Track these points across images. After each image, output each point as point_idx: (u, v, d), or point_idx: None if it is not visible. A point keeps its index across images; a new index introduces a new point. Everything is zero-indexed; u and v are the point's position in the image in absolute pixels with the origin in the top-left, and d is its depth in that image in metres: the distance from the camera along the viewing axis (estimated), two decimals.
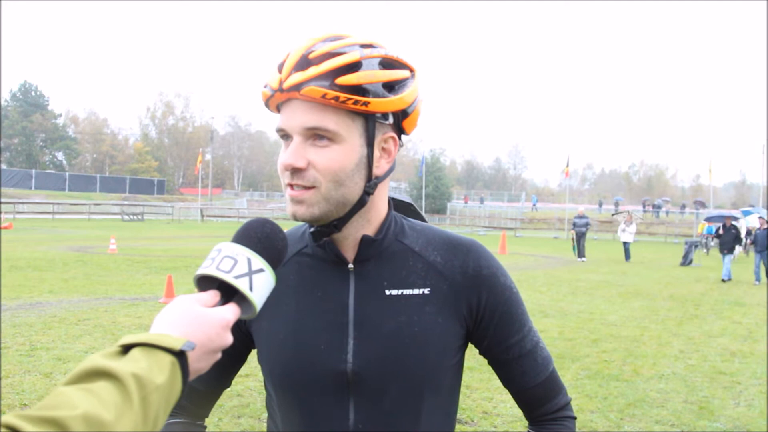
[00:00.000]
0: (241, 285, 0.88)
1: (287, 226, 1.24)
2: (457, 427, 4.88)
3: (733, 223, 17.99)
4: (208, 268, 0.89)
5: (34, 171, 64.80)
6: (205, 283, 0.91)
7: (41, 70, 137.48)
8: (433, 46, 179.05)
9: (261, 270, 0.90)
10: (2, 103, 73.72)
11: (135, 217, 45.18)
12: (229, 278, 0.88)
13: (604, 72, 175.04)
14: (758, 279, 16.51)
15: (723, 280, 16.61)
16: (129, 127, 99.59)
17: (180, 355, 0.79)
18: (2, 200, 38.94)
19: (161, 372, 0.75)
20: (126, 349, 0.77)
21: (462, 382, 1.20)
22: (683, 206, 57.26)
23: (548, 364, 1.19)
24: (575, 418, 1.22)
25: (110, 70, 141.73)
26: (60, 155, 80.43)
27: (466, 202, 60.66)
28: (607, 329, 9.18)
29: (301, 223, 1.18)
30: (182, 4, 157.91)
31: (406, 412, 1.10)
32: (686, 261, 21.65)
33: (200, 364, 0.84)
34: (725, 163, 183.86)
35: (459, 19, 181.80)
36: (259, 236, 0.94)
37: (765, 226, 16.73)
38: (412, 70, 1.08)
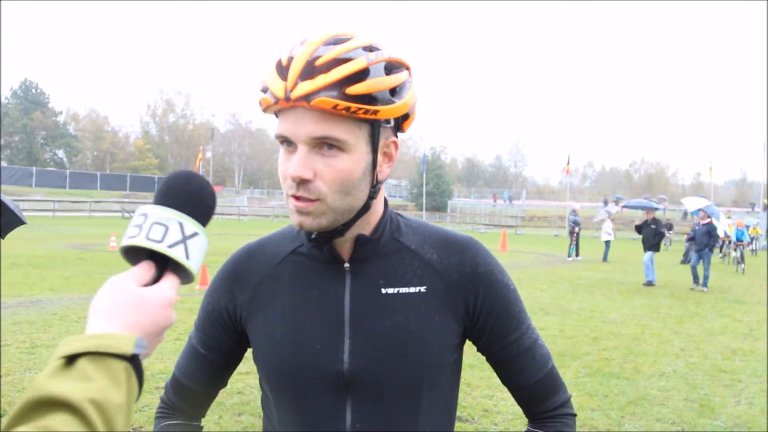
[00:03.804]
0: (178, 254, 0.81)
1: (286, 224, 1.23)
2: (458, 424, 4.88)
3: (655, 216, 15.55)
4: (137, 238, 0.80)
5: (34, 168, 64.78)
6: (134, 253, 0.82)
7: (42, 67, 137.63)
8: (434, 44, 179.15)
9: (195, 234, 0.83)
10: (3, 100, 73.70)
11: None
12: (162, 248, 0.80)
13: (605, 70, 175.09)
14: (697, 281, 14.28)
15: (650, 284, 14.55)
16: (130, 125, 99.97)
17: (132, 359, 0.72)
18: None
19: (118, 387, 0.68)
20: (70, 359, 0.69)
21: (462, 379, 1.20)
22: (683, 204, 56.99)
23: (547, 362, 1.18)
24: (575, 415, 1.21)
25: (111, 67, 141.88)
26: (60, 153, 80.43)
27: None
28: (608, 327, 9.18)
29: None
30: (182, 3, 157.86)
31: (404, 411, 1.09)
32: (687, 259, 21.61)
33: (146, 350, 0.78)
34: (726, 161, 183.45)
35: (460, 18, 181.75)
36: (187, 195, 0.85)
37: (705, 221, 14.63)
38: (408, 68, 1.07)
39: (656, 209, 16.95)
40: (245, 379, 5.77)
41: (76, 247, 19.78)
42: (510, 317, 1.15)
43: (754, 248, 28.19)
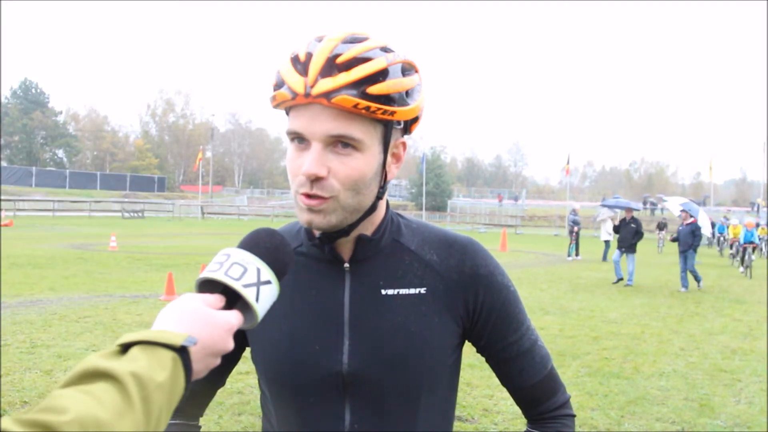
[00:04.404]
0: (249, 294, 0.86)
1: (286, 223, 1.23)
2: (458, 424, 4.88)
3: (634, 216, 14.83)
4: (216, 273, 0.87)
5: (34, 168, 64.81)
6: (208, 286, 0.88)
7: (42, 67, 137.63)
8: (434, 43, 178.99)
9: (268, 281, 0.89)
10: (3, 100, 73.68)
11: (135, 215, 45.17)
12: (237, 286, 0.86)
13: (605, 69, 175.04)
14: (685, 285, 13.72)
15: (620, 282, 14.24)
16: (129, 125, 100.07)
17: (181, 351, 0.76)
18: (3, 197, 38.95)
19: (162, 369, 0.73)
20: (125, 348, 0.75)
21: (462, 379, 1.20)
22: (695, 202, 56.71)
23: (547, 363, 1.18)
24: (575, 416, 1.21)
25: (111, 67, 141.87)
26: (60, 153, 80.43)
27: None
28: (608, 327, 9.18)
29: (295, 221, 1.16)
30: (182, 3, 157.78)
31: (403, 412, 1.09)
32: None
33: (200, 365, 0.81)
34: (726, 161, 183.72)
35: (459, 18, 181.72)
36: (268, 247, 0.92)
37: (688, 222, 14.13)
38: (417, 71, 1.07)
39: (635, 209, 16.26)
40: (245, 378, 5.77)
41: (76, 246, 19.76)
42: (510, 318, 1.15)
43: (763, 250, 26.04)
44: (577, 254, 21.88)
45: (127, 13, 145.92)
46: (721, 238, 28.22)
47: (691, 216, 14.25)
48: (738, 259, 20.53)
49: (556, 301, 11.48)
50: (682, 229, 14.19)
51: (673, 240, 14.63)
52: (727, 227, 25.68)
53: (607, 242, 21.50)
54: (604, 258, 21.14)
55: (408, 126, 1.08)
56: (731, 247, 22.41)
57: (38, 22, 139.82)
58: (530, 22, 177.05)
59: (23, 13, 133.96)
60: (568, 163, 47.23)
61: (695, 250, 14.00)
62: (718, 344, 8.24)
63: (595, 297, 12.35)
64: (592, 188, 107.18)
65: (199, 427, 1.26)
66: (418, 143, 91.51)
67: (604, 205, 22.72)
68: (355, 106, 0.96)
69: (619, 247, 14.73)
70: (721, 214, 38.28)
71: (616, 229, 15.03)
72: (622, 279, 14.58)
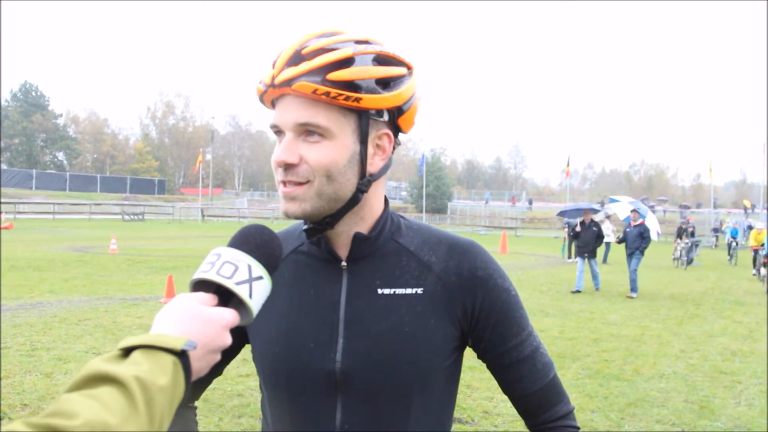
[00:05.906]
0: (242, 292, 0.88)
1: (287, 225, 1.24)
2: (458, 426, 4.89)
3: (593, 218, 14.02)
4: (208, 273, 0.89)
5: (34, 171, 64.86)
6: (201, 287, 0.90)
7: (42, 70, 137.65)
8: (433, 45, 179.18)
9: (260, 277, 0.90)
10: (3, 103, 73.73)
11: (135, 217, 45.19)
12: (230, 284, 0.88)
13: (605, 71, 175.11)
14: (635, 290, 12.94)
15: (578, 291, 13.10)
16: (129, 127, 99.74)
17: (181, 355, 0.79)
18: (3, 200, 38.98)
19: (164, 373, 0.75)
20: (127, 352, 0.77)
21: (462, 381, 1.19)
22: (687, 207, 56.61)
23: (549, 371, 1.16)
24: (578, 427, 1.17)
25: (111, 70, 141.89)
26: (60, 155, 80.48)
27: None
28: (608, 329, 9.19)
29: (298, 222, 1.17)
30: (182, 4, 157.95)
31: (395, 413, 1.08)
32: (687, 260, 21.62)
33: (200, 363, 0.83)
34: (726, 162, 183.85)
35: (459, 19, 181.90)
36: (258, 242, 0.94)
37: (637, 222, 13.48)
38: (409, 68, 1.07)
39: (596, 211, 15.65)
40: (245, 381, 5.77)
41: (76, 249, 19.77)
42: (510, 323, 1.13)
43: None
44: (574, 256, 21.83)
45: (126, 16, 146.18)
46: (734, 244, 24.70)
47: (641, 217, 13.73)
48: (757, 269, 17.73)
49: (556, 303, 11.48)
50: (630, 230, 13.54)
51: (620, 241, 13.92)
52: (748, 231, 23.02)
53: (607, 244, 21.42)
54: (605, 260, 21.06)
55: (394, 119, 1.08)
56: (755, 254, 18.62)
57: (38, 25, 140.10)
58: (530, 23, 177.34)
59: (23, 14, 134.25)
60: (568, 165, 47.41)
61: (642, 253, 13.38)
62: (718, 346, 8.24)
63: (595, 299, 12.35)
64: (592, 190, 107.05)
65: (195, 407, 1.27)
66: (417, 145, 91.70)
67: (560, 214, 21.59)
68: (314, 91, 0.99)
69: (581, 253, 13.78)
70: (721, 216, 38.22)
71: (576, 234, 13.98)
72: (580, 291, 13.29)
